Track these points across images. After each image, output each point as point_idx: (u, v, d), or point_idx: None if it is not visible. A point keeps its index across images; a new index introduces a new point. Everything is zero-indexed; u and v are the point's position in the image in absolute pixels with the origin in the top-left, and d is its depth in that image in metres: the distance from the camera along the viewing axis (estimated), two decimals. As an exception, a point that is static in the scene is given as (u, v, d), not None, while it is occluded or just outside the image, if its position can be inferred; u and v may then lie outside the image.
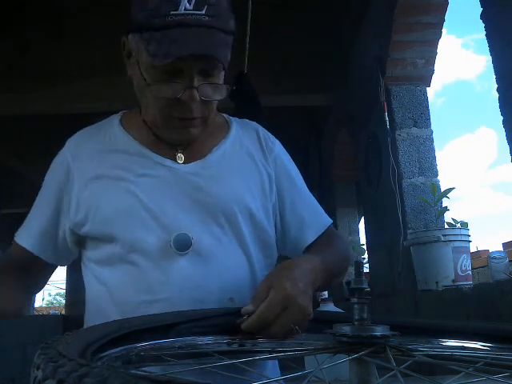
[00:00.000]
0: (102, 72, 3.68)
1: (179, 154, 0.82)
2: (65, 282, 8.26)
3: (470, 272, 2.21)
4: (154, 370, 0.42)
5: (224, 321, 0.60)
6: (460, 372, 0.41)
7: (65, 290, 8.47)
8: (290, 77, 3.84)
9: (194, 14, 0.68)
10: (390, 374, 0.41)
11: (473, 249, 4.03)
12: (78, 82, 3.69)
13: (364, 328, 0.46)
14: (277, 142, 0.94)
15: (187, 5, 0.68)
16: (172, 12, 0.68)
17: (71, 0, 3.85)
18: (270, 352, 0.52)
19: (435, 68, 2.89)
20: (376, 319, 0.50)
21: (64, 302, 10.05)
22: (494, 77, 1.78)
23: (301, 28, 3.79)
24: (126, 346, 0.46)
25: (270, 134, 0.95)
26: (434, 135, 2.81)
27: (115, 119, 0.88)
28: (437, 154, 2.79)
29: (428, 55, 2.87)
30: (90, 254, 0.82)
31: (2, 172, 5.95)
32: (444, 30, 2.74)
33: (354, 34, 3.54)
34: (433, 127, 2.86)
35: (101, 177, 0.80)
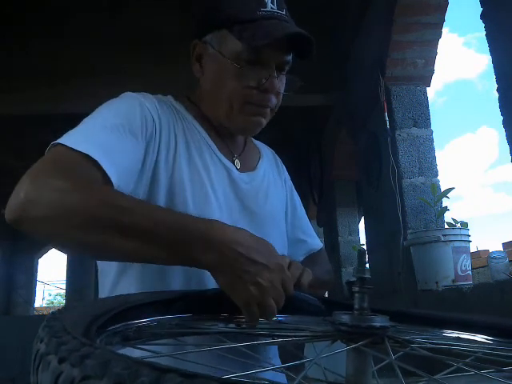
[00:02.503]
0: (102, 72, 3.68)
1: (237, 160, 0.88)
2: (65, 282, 8.26)
3: (470, 272, 2.21)
4: (156, 349, 0.43)
5: (223, 299, 0.59)
6: (452, 366, 0.42)
7: (65, 290, 8.47)
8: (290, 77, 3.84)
9: (279, 12, 0.79)
10: (384, 362, 0.42)
11: (473, 249, 4.04)
12: (78, 82, 3.69)
13: (363, 318, 0.46)
14: (283, 165, 1.05)
15: (272, 5, 0.79)
16: (262, 9, 0.78)
17: (71, 1, 3.85)
18: (268, 334, 0.52)
19: (435, 68, 2.90)
20: (376, 309, 0.50)
21: (64, 302, 10.06)
22: (494, 77, 1.78)
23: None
24: (126, 322, 0.46)
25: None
26: (435, 135, 2.82)
27: (177, 103, 0.88)
28: (437, 153, 2.80)
29: (428, 55, 2.87)
30: None
31: (1, 172, 5.95)
32: (445, 30, 2.74)
33: (354, 34, 3.54)
34: (433, 127, 2.86)
35: (177, 158, 0.80)
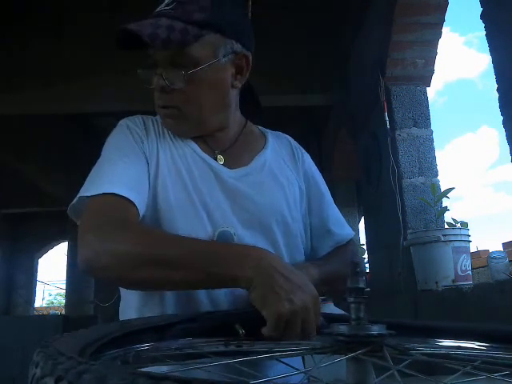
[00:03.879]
0: (102, 72, 3.68)
1: (219, 156, 0.86)
2: (65, 282, 8.26)
3: (469, 272, 2.21)
4: (152, 370, 0.43)
5: (221, 322, 0.60)
6: (458, 370, 0.41)
7: (65, 290, 8.47)
8: (290, 77, 3.85)
9: (164, 9, 0.78)
10: (388, 373, 0.41)
11: (473, 249, 4.04)
12: (77, 82, 3.70)
13: (361, 327, 0.46)
14: (306, 154, 1.02)
15: (162, 5, 0.80)
16: (156, 10, 0.79)
17: (71, 1, 3.85)
18: (266, 352, 0.52)
19: (435, 68, 2.90)
20: (373, 319, 0.50)
21: (64, 302, 10.06)
22: (495, 77, 1.78)
23: (301, 28, 3.80)
24: (124, 347, 0.46)
25: (300, 146, 1.02)
26: (436, 134, 2.82)
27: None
28: (438, 153, 2.79)
29: (428, 55, 2.87)
30: None
31: (1, 172, 5.95)
32: (446, 29, 2.74)
33: (354, 34, 3.54)
34: (434, 126, 2.86)
35: (161, 164, 0.82)
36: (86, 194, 0.75)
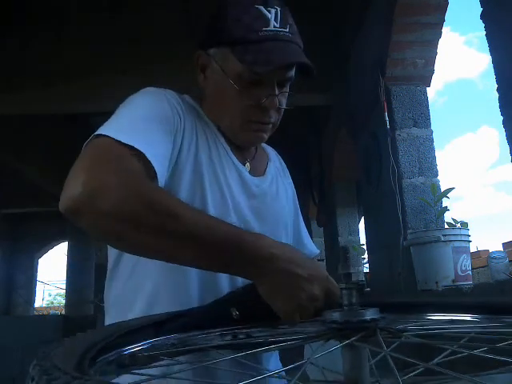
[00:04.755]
0: (102, 72, 3.68)
1: (247, 164, 0.90)
2: (65, 282, 8.26)
3: (469, 272, 2.21)
4: (151, 372, 0.43)
5: (215, 313, 0.59)
6: (446, 349, 0.42)
7: (65, 290, 8.47)
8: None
9: (282, 30, 0.79)
10: (379, 356, 0.42)
11: (473, 249, 4.04)
12: (77, 82, 3.70)
13: (353, 313, 0.46)
14: (288, 171, 1.07)
15: (275, 23, 0.78)
16: (264, 28, 0.77)
17: (71, 1, 3.85)
18: (263, 343, 0.52)
19: (435, 68, 2.90)
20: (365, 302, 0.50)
21: (64, 302, 10.06)
22: (495, 77, 1.78)
23: (301, 28, 3.79)
24: (119, 349, 0.46)
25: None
26: (436, 134, 2.82)
27: (195, 103, 0.89)
28: (438, 153, 2.79)
29: (428, 55, 2.87)
30: None
31: (1, 172, 5.95)
32: (446, 29, 2.74)
33: (354, 34, 3.54)
34: (434, 126, 2.86)
35: (198, 155, 0.81)
36: (101, 132, 0.66)
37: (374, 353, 0.46)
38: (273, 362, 0.82)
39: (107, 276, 0.83)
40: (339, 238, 4.54)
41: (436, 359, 0.43)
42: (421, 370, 0.43)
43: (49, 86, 3.76)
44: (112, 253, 0.82)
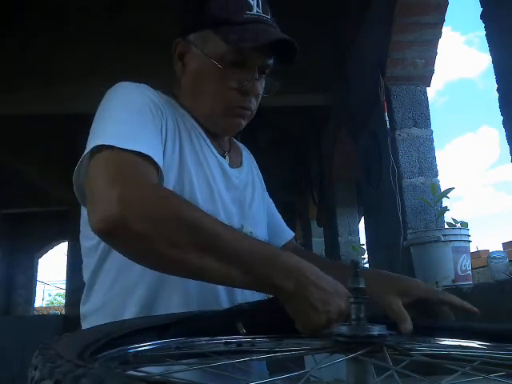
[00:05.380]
0: (102, 72, 3.68)
1: (227, 156, 0.90)
2: (65, 282, 8.26)
3: (470, 272, 2.21)
4: (152, 370, 0.43)
5: (221, 321, 0.60)
6: (457, 371, 0.41)
7: (65, 290, 8.47)
8: (290, 77, 3.84)
9: (264, 16, 0.80)
10: (387, 373, 0.41)
11: (473, 249, 4.03)
12: (77, 82, 3.69)
13: (361, 328, 0.46)
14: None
15: (257, 9, 0.80)
16: (248, 12, 0.78)
17: (71, 1, 3.85)
18: (267, 352, 0.52)
19: (435, 68, 2.90)
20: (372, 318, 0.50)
21: (64, 302, 10.06)
22: (494, 77, 1.78)
23: (301, 28, 3.79)
24: (123, 347, 0.46)
25: None
26: (436, 134, 2.82)
27: (169, 98, 0.87)
28: (438, 153, 2.80)
29: (428, 55, 2.87)
30: None
31: (1, 172, 5.95)
32: (447, 28, 2.74)
33: (354, 34, 3.54)
34: (434, 126, 2.86)
35: (183, 149, 0.80)
36: (103, 143, 0.64)
37: (379, 370, 0.46)
38: (256, 366, 0.80)
39: (86, 286, 0.80)
40: (339, 238, 4.54)
41: (444, 380, 0.43)
42: None
43: (49, 86, 3.76)
44: (89, 264, 0.80)
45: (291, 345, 0.55)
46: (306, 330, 0.59)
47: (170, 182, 0.75)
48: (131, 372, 0.41)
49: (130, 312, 0.73)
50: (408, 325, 0.64)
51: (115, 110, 0.73)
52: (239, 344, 0.54)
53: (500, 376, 0.40)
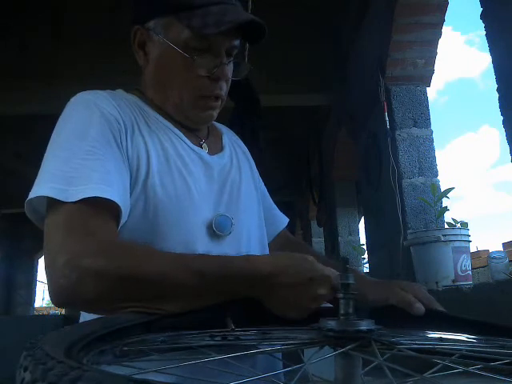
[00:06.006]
0: (102, 72, 3.68)
1: (204, 144, 0.85)
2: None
3: (470, 272, 2.21)
4: (142, 365, 0.43)
5: (208, 315, 0.59)
6: (438, 364, 0.43)
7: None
8: (290, 77, 3.84)
9: None
10: (373, 364, 0.42)
11: (473, 249, 4.04)
12: (77, 82, 3.69)
13: (350, 323, 0.47)
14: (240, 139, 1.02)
15: None
16: None
17: (70, 1, 3.85)
18: (254, 346, 0.52)
19: (435, 68, 2.90)
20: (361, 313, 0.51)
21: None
22: (495, 77, 1.78)
23: (301, 28, 3.80)
24: (110, 342, 0.45)
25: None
26: (436, 134, 2.82)
27: (131, 96, 0.82)
28: (438, 153, 2.80)
29: (428, 55, 2.87)
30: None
31: (1, 172, 5.95)
32: (446, 29, 2.74)
33: (354, 34, 3.54)
34: (435, 126, 2.86)
35: (151, 153, 0.74)
36: (57, 198, 0.63)
37: (365, 363, 0.47)
38: (260, 364, 0.78)
39: None
40: (339, 238, 4.54)
41: (427, 373, 0.44)
42: (413, 381, 0.43)
43: (49, 86, 3.76)
44: None
45: (279, 338, 0.55)
46: (294, 318, 0.61)
47: (155, 188, 0.72)
48: (124, 369, 0.41)
49: None
50: (419, 305, 0.65)
51: (67, 142, 0.69)
52: (225, 337, 0.54)
53: (478, 369, 0.41)
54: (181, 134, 0.81)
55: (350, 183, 4.69)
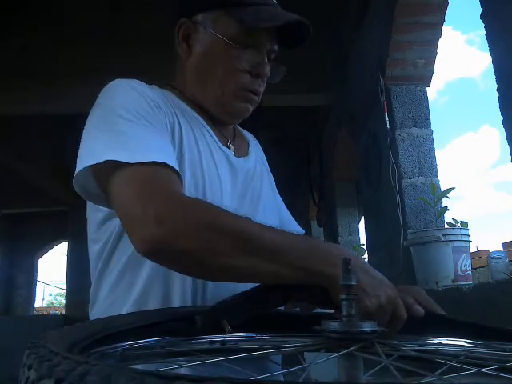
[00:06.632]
0: (102, 72, 3.68)
1: (231, 145, 0.87)
2: (65, 282, 8.26)
3: (470, 272, 2.21)
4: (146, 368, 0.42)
5: (207, 320, 0.58)
6: (445, 365, 0.42)
7: (65, 291, 8.48)
8: (290, 77, 3.84)
9: (273, 1, 0.82)
10: (380, 365, 0.42)
11: (473, 249, 4.04)
12: (77, 82, 3.70)
13: (353, 324, 0.46)
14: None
15: None
16: None
17: (71, 1, 3.85)
18: (257, 349, 0.51)
19: (435, 68, 2.90)
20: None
21: (64, 302, 10.06)
22: (495, 77, 1.78)
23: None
24: (110, 345, 0.45)
25: None
26: (436, 134, 2.82)
27: (165, 91, 0.84)
28: (439, 153, 2.80)
29: (428, 55, 2.87)
30: None
31: (1, 172, 5.95)
32: (446, 28, 2.73)
33: (354, 34, 3.54)
34: (435, 126, 2.86)
35: (185, 142, 0.76)
36: (123, 160, 0.62)
37: (370, 365, 0.47)
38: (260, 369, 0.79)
39: (95, 279, 0.79)
40: (339, 238, 4.54)
41: (436, 372, 0.43)
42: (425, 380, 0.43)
43: (49, 86, 3.76)
44: (95, 266, 0.78)
45: (280, 342, 0.55)
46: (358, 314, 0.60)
47: (185, 178, 0.72)
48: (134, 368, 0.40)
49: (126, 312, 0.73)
50: (418, 306, 0.64)
51: (117, 117, 0.68)
52: (223, 343, 0.54)
53: (491, 369, 0.41)
54: (211, 131, 0.83)
55: (350, 183, 4.69)
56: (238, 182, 0.83)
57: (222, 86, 0.80)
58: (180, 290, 0.72)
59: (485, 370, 0.41)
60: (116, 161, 0.62)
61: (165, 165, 0.64)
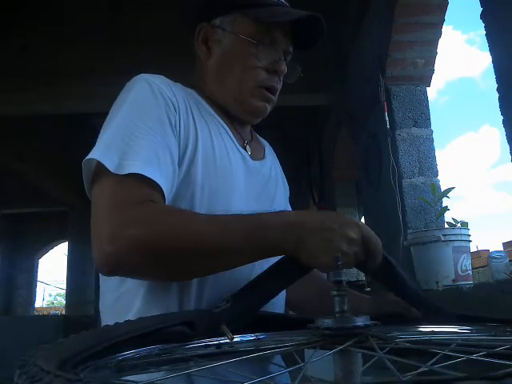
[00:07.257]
0: (102, 72, 3.68)
1: (248, 147, 0.88)
2: (65, 282, 8.26)
3: (470, 272, 2.21)
4: (137, 378, 0.42)
5: (205, 326, 0.58)
6: (437, 354, 0.43)
7: (65, 291, 8.48)
8: (290, 77, 3.84)
9: (286, 3, 0.87)
10: (374, 359, 0.42)
11: (473, 248, 4.03)
12: (77, 82, 3.70)
13: (346, 320, 0.46)
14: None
15: None
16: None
17: (71, 1, 3.85)
18: (251, 352, 0.50)
19: (435, 68, 2.90)
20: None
21: (64, 302, 10.06)
22: (495, 76, 1.78)
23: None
24: (106, 357, 0.44)
25: None
26: (436, 134, 2.82)
27: (187, 88, 0.86)
28: (439, 152, 2.80)
29: (428, 55, 2.87)
30: None
31: (1, 172, 5.95)
32: (447, 28, 2.73)
33: (354, 34, 3.54)
34: (435, 126, 2.86)
35: (200, 141, 0.77)
36: (108, 166, 0.64)
37: (365, 360, 0.47)
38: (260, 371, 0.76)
39: (101, 287, 0.81)
40: (339, 238, 4.53)
41: (429, 362, 0.44)
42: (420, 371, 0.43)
43: (49, 86, 3.76)
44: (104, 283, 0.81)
45: (274, 342, 0.55)
46: (326, 269, 0.62)
47: (197, 170, 0.74)
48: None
49: (136, 309, 0.73)
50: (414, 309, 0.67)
51: (127, 117, 0.71)
52: (219, 346, 0.53)
53: (480, 355, 0.41)
54: (228, 131, 0.85)
55: (350, 183, 4.69)
56: (253, 183, 0.84)
57: (240, 83, 0.83)
58: (172, 301, 0.72)
59: (474, 356, 0.41)
60: (102, 164, 0.65)
61: (146, 178, 0.65)
